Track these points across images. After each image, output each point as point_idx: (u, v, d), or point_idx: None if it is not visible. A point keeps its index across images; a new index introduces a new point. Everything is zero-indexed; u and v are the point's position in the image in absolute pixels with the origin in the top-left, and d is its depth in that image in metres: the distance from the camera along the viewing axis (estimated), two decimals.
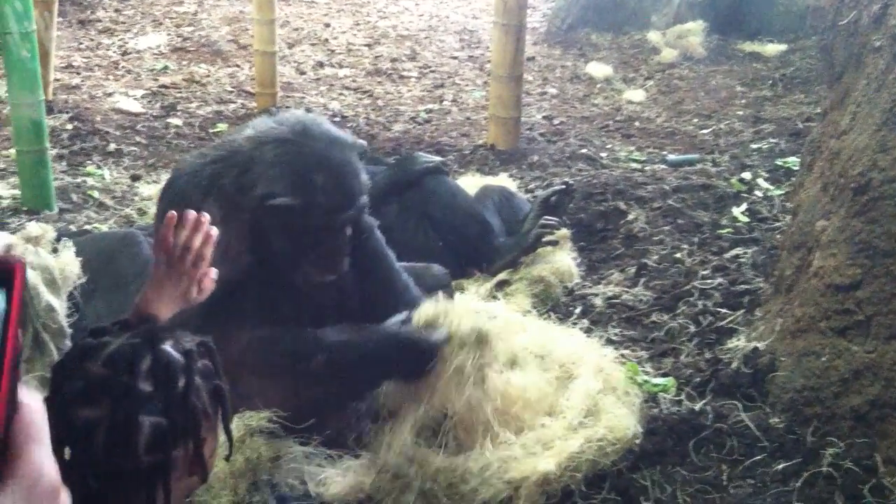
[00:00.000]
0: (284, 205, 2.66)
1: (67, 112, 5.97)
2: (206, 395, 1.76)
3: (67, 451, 1.64)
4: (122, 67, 7.39)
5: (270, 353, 2.68)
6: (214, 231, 2.08)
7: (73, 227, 4.11)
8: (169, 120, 6.23)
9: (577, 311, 3.62)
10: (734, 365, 3.00)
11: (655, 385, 3.00)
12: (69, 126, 5.78)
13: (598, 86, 7.32)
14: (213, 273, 2.07)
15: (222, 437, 1.86)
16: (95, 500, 1.64)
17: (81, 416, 1.63)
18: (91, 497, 1.64)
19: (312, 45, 8.30)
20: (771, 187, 4.64)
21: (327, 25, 8.87)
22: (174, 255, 2.00)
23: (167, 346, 1.72)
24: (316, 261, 2.79)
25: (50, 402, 1.62)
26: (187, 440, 1.70)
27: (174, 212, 2.07)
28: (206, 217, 2.08)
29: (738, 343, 3.11)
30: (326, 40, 8.44)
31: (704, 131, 6.10)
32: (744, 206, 4.35)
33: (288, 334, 2.73)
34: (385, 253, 3.08)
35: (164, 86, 6.97)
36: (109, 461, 1.63)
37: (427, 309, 2.87)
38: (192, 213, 2.06)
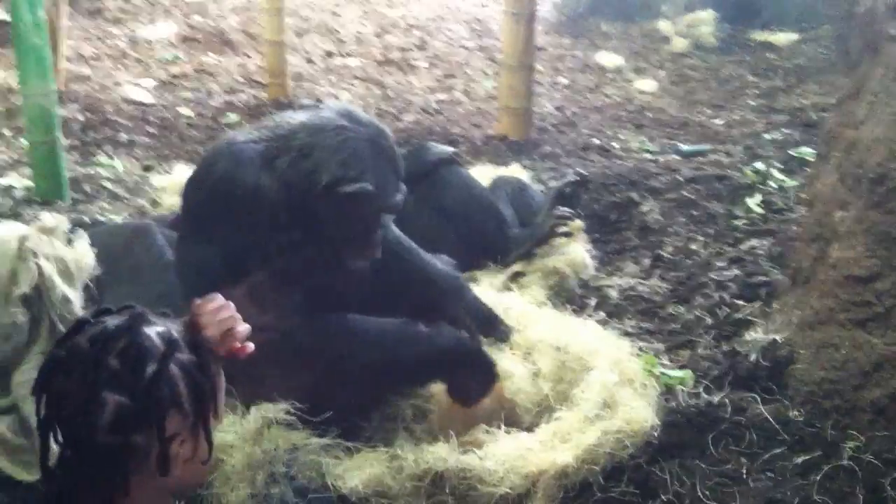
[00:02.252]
0: (360, 191, 2.66)
1: (78, 102, 5.96)
2: (183, 389, 1.74)
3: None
4: (132, 57, 7.38)
5: (315, 340, 2.70)
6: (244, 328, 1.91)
7: (85, 218, 4.10)
8: (180, 110, 6.21)
9: (593, 302, 3.61)
10: (752, 357, 2.98)
11: (672, 377, 2.98)
12: (80, 116, 5.77)
13: (609, 76, 7.30)
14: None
15: (230, 437, 1.84)
16: (65, 470, 1.71)
17: (57, 383, 1.70)
18: (62, 467, 1.71)
19: (321, 34, 8.27)
20: (785, 178, 4.61)
21: (336, 15, 8.85)
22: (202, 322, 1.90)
23: (150, 332, 1.73)
24: (359, 245, 2.81)
25: (41, 368, 1.71)
26: (150, 427, 1.70)
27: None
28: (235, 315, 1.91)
29: (756, 335, 3.09)
30: (335, 30, 8.41)
31: (717, 121, 6.07)
32: (758, 197, 4.33)
33: (339, 321, 2.76)
34: (406, 239, 3.11)
35: (174, 76, 6.95)
36: (74, 431, 1.69)
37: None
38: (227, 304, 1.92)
